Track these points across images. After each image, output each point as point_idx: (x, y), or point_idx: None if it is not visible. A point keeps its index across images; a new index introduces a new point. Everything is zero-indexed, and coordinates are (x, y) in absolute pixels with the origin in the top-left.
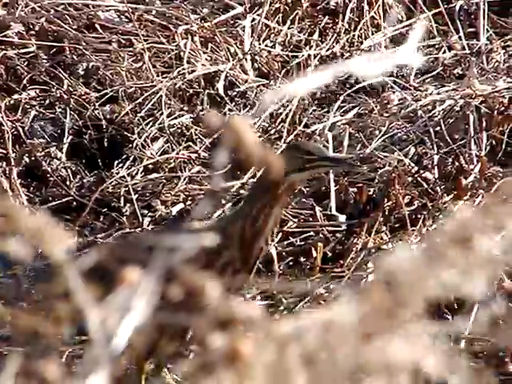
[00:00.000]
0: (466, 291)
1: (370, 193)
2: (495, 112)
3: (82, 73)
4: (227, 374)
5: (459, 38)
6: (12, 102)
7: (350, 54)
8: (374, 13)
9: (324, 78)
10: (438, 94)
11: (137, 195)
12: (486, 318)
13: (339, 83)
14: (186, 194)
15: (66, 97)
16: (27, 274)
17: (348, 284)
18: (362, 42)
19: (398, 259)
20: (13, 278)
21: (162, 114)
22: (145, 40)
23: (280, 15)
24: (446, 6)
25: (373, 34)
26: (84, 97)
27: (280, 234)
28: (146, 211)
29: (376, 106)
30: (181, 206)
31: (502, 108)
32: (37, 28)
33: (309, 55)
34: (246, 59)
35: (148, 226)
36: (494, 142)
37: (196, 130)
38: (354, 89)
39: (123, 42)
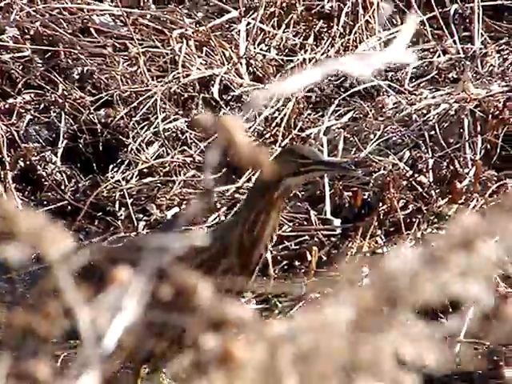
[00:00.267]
0: (461, 294)
1: (365, 197)
2: (490, 116)
3: (76, 77)
4: (219, 375)
5: (454, 41)
6: (7, 106)
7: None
8: (369, 17)
9: (314, 75)
10: (433, 97)
11: (132, 199)
12: (479, 321)
13: (334, 87)
14: (180, 198)
15: (60, 101)
16: (23, 279)
17: (342, 287)
18: (356, 46)
19: (393, 262)
20: (8, 282)
21: (156, 118)
22: (140, 44)
23: (275, 19)
24: (440, 10)
25: (367, 38)
26: (79, 101)
27: (275, 238)
28: (140, 215)
29: (371, 110)
30: (176, 209)
31: (497, 112)
32: (32, 32)
33: (304, 59)
34: (240, 63)
35: (143, 229)
36: (488, 146)
37: (191, 134)
38: (348, 93)
39: (118, 46)
